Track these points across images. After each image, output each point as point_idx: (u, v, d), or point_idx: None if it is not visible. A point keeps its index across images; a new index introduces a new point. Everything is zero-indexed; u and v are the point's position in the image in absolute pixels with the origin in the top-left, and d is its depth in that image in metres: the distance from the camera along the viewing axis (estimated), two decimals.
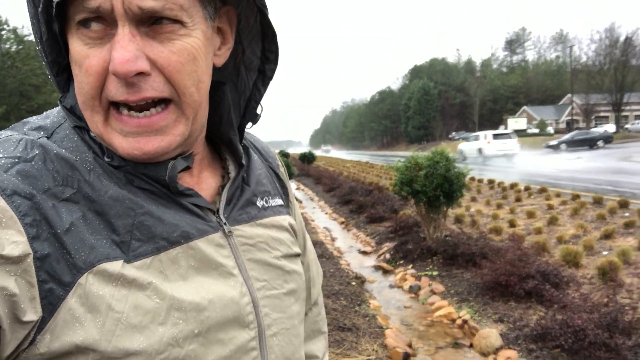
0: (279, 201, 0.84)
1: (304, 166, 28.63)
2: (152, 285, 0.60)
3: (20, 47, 38.36)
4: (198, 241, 0.66)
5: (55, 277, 0.55)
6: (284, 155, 32.30)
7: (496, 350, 4.20)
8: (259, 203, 0.79)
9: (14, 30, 38.42)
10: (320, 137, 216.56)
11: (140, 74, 0.58)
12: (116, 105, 0.60)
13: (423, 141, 77.35)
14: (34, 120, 0.67)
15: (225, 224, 0.71)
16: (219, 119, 0.76)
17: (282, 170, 0.92)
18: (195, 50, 0.62)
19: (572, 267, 5.82)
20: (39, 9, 0.60)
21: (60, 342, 0.55)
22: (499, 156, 27.59)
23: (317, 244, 8.32)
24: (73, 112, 0.65)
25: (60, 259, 0.55)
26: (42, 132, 0.64)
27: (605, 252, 6.34)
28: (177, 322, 0.60)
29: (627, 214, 8.41)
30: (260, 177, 0.82)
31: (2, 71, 35.88)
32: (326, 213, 13.39)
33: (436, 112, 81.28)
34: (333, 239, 9.69)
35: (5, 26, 38.34)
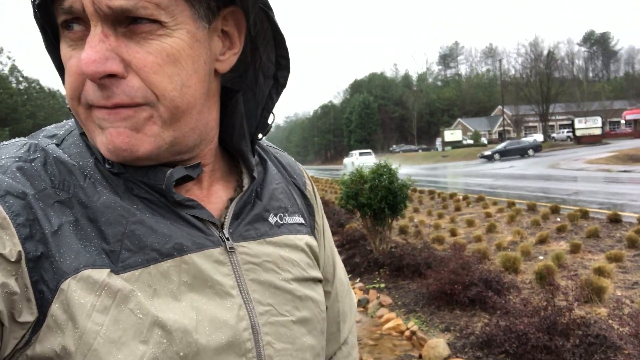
0: (298, 219, 0.77)
1: None
2: (138, 299, 0.55)
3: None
4: (193, 255, 0.60)
5: (45, 279, 0.53)
6: None
7: None
8: (272, 219, 0.72)
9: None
10: None
11: (113, 76, 0.55)
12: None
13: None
14: (50, 128, 0.67)
15: (227, 239, 0.65)
16: (232, 129, 0.71)
17: (310, 189, 0.85)
18: (176, 52, 0.57)
19: (512, 272, 6.04)
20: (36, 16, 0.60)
21: (42, 347, 0.52)
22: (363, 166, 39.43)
23: None
24: None
25: (45, 262, 0.53)
26: (54, 140, 0.64)
27: (541, 257, 6.64)
28: (160, 341, 0.55)
29: (558, 219, 8.89)
30: (275, 192, 0.76)
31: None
32: None
33: (377, 125, 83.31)
34: None
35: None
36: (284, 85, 0.72)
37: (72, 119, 0.68)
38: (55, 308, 0.52)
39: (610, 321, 4.18)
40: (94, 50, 0.53)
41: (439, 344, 4.41)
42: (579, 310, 4.37)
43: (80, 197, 0.58)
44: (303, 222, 0.78)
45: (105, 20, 0.54)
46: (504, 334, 4.04)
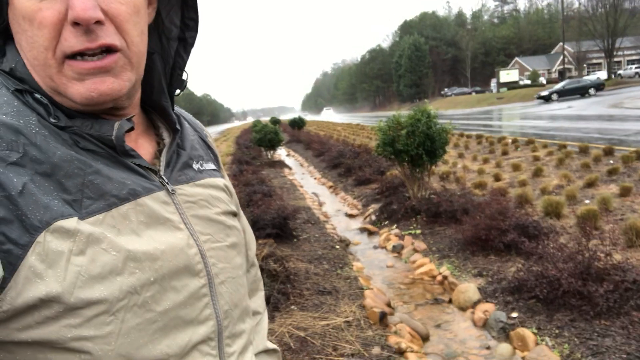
0: (212, 165, 0.88)
1: (294, 132, 28.43)
2: (108, 239, 0.63)
3: None
4: (145, 198, 0.69)
5: (11, 238, 0.57)
6: (275, 122, 32.05)
7: (474, 304, 4.24)
8: (195, 166, 0.83)
9: None
10: (312, 101, 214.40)
11: (97, 22, 0.62)
12: (71, 57, 0.63)
13: (415, 99, 76.62)
14: None
15: (167, 183, 0.75)
16: (150, 87, 0.80)
17: (211, 140, 0.97)
18: (139, 3, 0.68)
19: (554, 217, 5.83)
20: None
21: (23, 298, 0.57)
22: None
23: (304, 209, 8.32)
24: (13, 75, 0.67)
25: (16, 221, 0.57)
26: None
27: (587, 201, 6.34)
28: (133, 271, 0.64)
29: (611, 161, 8.40)
30: (193, 143, 0.87)
31: None
32: (315, 178, 13.36)
33: (428, 68, 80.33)
34: (320, 204, 9.69)
35: None
36: (192, 45, 0.82)
37: None
38: (32, 260, 0.57)
39: None
40: (88, 0, 0.60)
41: (469, 288, 4.39)
42: (619, 255, 4.18)
43: (33, 154, 0.61)
44: (215, 168, 0.90)
45: None
46: (535, 279, 3.96)
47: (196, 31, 0.81)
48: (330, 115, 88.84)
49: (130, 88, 0.69)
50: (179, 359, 0.69)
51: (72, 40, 0.61)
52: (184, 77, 0.83)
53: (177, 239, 0.71)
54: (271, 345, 0.99)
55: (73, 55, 0.63)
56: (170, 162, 0.79)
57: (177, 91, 0.84)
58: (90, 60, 0.63)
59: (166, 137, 0.82)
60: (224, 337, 0.77)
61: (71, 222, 0.60)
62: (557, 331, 3.48)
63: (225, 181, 0.90)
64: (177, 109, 0.91)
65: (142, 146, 0.78)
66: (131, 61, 0.68)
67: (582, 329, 3.42)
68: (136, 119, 0.76)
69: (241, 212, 1.01)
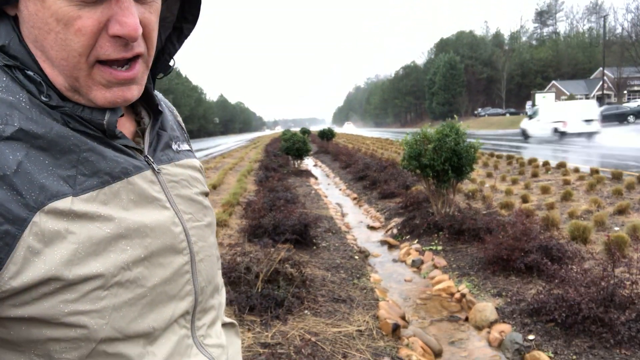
0: (187, 146, 0.91)
1: (323, 143, 28.53)
2: (101, 217, 0.65)
3: None
4: (135, 177, 0.72)
5: (9, 218, 0.57)
6: (305, 132, 32.24)
7: (491, 324, 4.16)
8: (174, 147, 0.86)
9: None
10: (344, 114, 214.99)
11: None
12: (102, 62, 0.65)
13: (447, 117, 75.83)
14: None
15: (152, 162, 0.77)
16: None
17: (181, 121, 1.00)
18: (159, 11, 0.71)
19: (581, 242, 5.67)
20: None
21: (22, 278, 0.58)
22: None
23: (326, 219, 8.33)
24: (5, 52, 0.66)
25: (12, 201, 0.58)
26: None
27: (616, 228, 6.16)
28: (125, 248, 0.67)
29: None
30: (172, 124, 0.90)
31: None
32: (340, 189, 13.36)
33: (462, 87, 79.53)
34: (343, 215, 9.68)
35: None
36: (186, 36, 0.84)
37: None
38: (29, 240, 0.59)
39: None
40: (135, 17, 0.64)
41: (486, 307, 4.31)
42: None
43: (30, 128, 0.61)
44: (189, 149, 0.93)
45: None
46: (555, 302, 3.86)
47: (194, 24, 0.83)
48: (350, 128, 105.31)
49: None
50: (162, 331, 0.72)
51: (109, 50, 0.64)
52: (171, 63, 0.85)
53: (164, 217, 0.74)
54: (227, 319, 1.01)
55: (104, 61, 0.65)
56: (153, 142, 0.81)
57: (161, 75, 0.86)
58: (120, 70, 0.67)
59: (145, 117, 0.83)
60: (196, 311, 0.80)
61: (66, 202, 0.62)
62: (574, 357, 3.38)
63: (198, 162, 0.94)
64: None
65: (124, 126, 0.78)
66: (148, 64, 0.72)
67: (601, 357, 3.31)
68: None
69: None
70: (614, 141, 19.62)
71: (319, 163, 21.95)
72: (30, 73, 0.65)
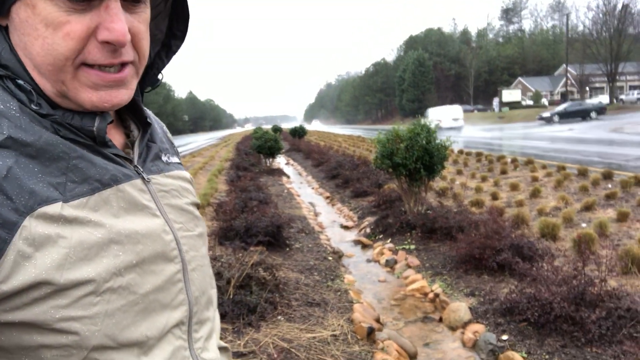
0: (176, 159, 0.93)
1: (295, 141, 28.40)
2: (92, 222, 0.65)
3: None
4: (125, 185, 0.72)
5: None
6: (276, 130, 32.05)
7: (465, 325, 4.16)
8: (164, 158, 0.87)
9: None
10: (315, 111, 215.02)
11: None
12: (88, 65, 0.66)
13: (417, 114, 76.69)
14: None
15: (142, 172, 0.78)
16: None
17: (170, 136, 1.02)
18: (148, 20, 0.73)
19: (550, 239, 5.77)
20: None
21: (13, 282, 0.58)
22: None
23: (299, 218, 8.26)
24: None
25: (2, 205, 0.58)
26: None
27: (584, 225, 6.29)
28: (117, 254, 0.66)
29: (609, 185, 8.36)
30: (161, 137, 0.92)
31: None
32: (313, 188, 13.30)
33: (431, 84, 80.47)
34: (316, 214, 9.62)
35: None
36: (174, 52, 0.86)
37: None
38: (20, 244, 0.58)
39: None
40: (123, 23, 0.65)
41: (460, 307, 4.31)
42: (614, 281, 4.12)
43: (19, 136, 0.62)
44: (179, 161, 0.94)
45: None
46: (527, 302, 3.89)
47: (182, 40, 0.85)
48: (317, 125, 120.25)
49: (133, 93, 0.73)
50: (156, 341, 0.71)
51: (98, 55, 0.65)
52: (159, 77, 0.87)
53: (155, 225, 0.74)
54: (222, 344, 1.01)
55: (91, 65, 0.66)
56: (142, 153, 0.82)
57: (149, 88, 0.88)
58: (108, 72, 0.67)
59: (134, 130, 0.84)
60: (193, 322, 0.80)
61: (55, 207, 0.62)
62: (547, 357, 3.40)
63: (188, 174, 0.94)
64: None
65: (113, 137, 0.79)
66: (138, 72, 0.73)
67: (573, 356, 3.34)
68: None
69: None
70: (470, 132, 31.78)
71: (291, 161, 21.84)
72: (20, 82, 0.66)
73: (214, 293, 1.07)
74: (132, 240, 0.69)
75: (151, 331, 0.70)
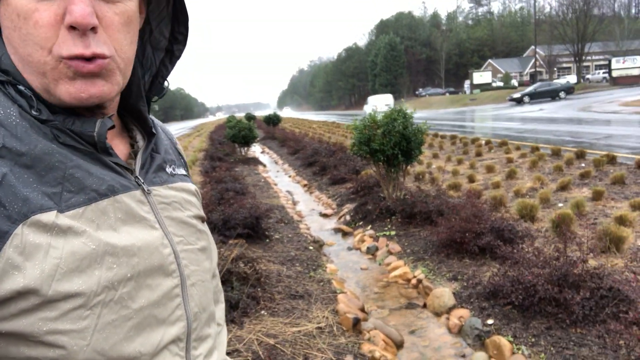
0: (182, 171, 0.90)
1: (270, 129, 28.14)
2: (87, 233, 0.63)
3: None
4: (123, 195, 0.70)
5: None
6: (250, 118, 31.65)
7: (449, 310, 4.15)
8: (168, 170, 0.85)
9: None
10: (288, 98, 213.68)
11: (92, 28, 0.64)
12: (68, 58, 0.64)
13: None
14: None
15: (143, 183, 0.76)
16: (128, 92, 0.80)
17: (180, 147, 0.99)
18: (132, 14, 0.70)
19: (528, 220, 5.81)
20: None
21: (0, 291, 0.57)
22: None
23: (277, 208, 8.14)
24: None
25: None
26: None
27: (560, 204, 6.37)
28: (111, 266, 0.64)
29: (583, 165, 8.49)
30: (167, 147, 0.89)
31: None
32: (289, 176, 13.17)
33: (403, 68, 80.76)
34: (295, 203, 9.52)
35: None
36: (178, 57, 0.85)
37: None
38: (10, 252, 0.57)
39: (626, 274, 3.97)
40: (86, 4, 0.62)
41: (444, 293, 4.30)
42: (594, 261, 4.16)
43: (13, 146, 0.61)
44: (185, 173, 0.91)
45: None
46: (511, 285, 3.89)
47: (184, 45, 0.84)
48: (288, 112, 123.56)
49: (119, 90, 0.71)
50: (150, 358, 0.69)
51: (69, 43, 0.63)
52: (165, 84, 0.86)
53: (152, 237, 0.72)
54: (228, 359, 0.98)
55: (70, 58, 0.64)
56: (145, 163, 0.80)
57: (155, 97, 0.87)
58: (84, 62, 0.65)
59: (139, 140, 0.83)
60: (191, 339, 0.78)
61: (50, 216, 0.60)
62: (533, 340, 3.41)
63: (194, 186, 0.92)
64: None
65: (117, 147, 0.78)
66: (119, 67, 0.69)
67: (559, 338, 3.35)
68: (113, 120, 0.77)
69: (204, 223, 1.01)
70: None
71: (267, 150, 21.62)
72: (21, 88, 0.66)
73: (220, 308, 1.03)
74: (128, 253, 0.67)
75: (145, 347, 0.68)
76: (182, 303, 0.75)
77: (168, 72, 0.86)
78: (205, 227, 0.89)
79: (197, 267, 0.80)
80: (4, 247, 0.57)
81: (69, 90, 0.65)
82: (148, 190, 0.76)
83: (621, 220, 5.13)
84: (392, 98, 46.22)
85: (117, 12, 0.67)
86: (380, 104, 46.80)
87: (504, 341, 3.44)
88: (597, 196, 6.31)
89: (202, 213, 0.89)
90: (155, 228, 0.74)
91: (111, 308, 0.64)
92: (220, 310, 1.04)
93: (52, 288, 0.59)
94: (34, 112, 0.65)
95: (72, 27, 0.63)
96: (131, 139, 0.83)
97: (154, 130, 0.84)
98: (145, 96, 0.84)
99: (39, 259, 0.59)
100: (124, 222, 0.69)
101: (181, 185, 0.85)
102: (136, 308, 0.67)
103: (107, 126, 0.70)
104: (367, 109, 45.28)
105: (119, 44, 0.68)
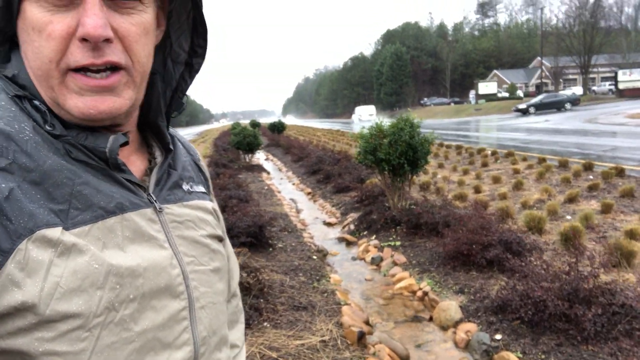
0: (202, 188, 0.87)
1: (274, 136, 28.13)
2: (91, 252, 0.61)
3: None
4: (132, 213, 0.68)
5: None
6: (255, 125, 31.68)
7: (456, 324, 4.06)
8: (185, 187, 0.82)
9: None
10: (293, 106, 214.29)
11: (106, 40, 0.63)
12: (75, 70, 0.63)
13: (395, 107, 77.03)
14: None
15: (155, 201, 0.74)
16: (147, 107, 0.79)
17: (203, 164, 0.96)
18: (149, 25, 0.69)
19: (536, 233, 5.71)
20: None
21: None
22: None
23: (281, 216, 8.07)
24: (14, 81, 0.67)
25: (0, 226, 0.56)
26: None
27: (569, 217, 6.26)
28: (114, 286, 0.62)
29: (591, 177, 8.39)
30: (185, 164, 0.86)
31: None
32: (293, 184, 13.11)
33: (408, 77, 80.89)
34: (298, 211, 9.45)
35: None
36: (197, 71, 0.83)
37: None
38: (11, 267, 0.56)
39: (638, 289, 3.86)
40: (98, 17, 0.61)
41: (450, 306, 4.20)
42: (605, 276, 4.06)
43: (23, 162, 0.60)
44: (205, 191, 0.88)
45: None
46: (520, 300, 3.79)
47: (203, 58, 0.82)
48: (291, 120, 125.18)
49: (130, 106, 0.69)
50: None
51: (78, 55, 0.62)
52: (184, 100, 0.85)
53: (160, 257, 0.70)
54: None
55: (77, 69, 0.63)
56: (160, 180, 0.78)
57: (175, 113, 0.85)
58: (93, 77, 0.64)
59: (158, 156, 0.81)
60: None
61: (55, 232, 0.59)
62: (543, 356, 3.31)
63: (214, 205, 0.89)
64: (171, 130, 0.90)
65: (134, 163, 0.77)
66: (134, 80, 0.68)
67: (569, 355, 3.26)
68: (131, 135, 0.76)
69: (227, 239, 0.97)
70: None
71: (271, 157, 21.59)
72: (36, 103, 0.66)
73: (239, 329, 1.01)
74: (133, 274, 0.65)
75: None
76: (189, 326, 0.72)
77: (187, 87, 0.84)
78: (220, 247, 0.85)
79: (209, 288, 0.77)
80: (6, 263, 0.56)
81: (78, 105, 0.64)
82: (160, 208, 0.74)
83: (632, 234, 5.03)
84: (374, 109, 54.26)
85: (134, 23, 0.66)
86: (364, 113, 53.63)
87: (512, 357, 3.34)
88: (606, 209, 6.21)
89: (217, 232, 0.85)
90: (165, 247, 0.71)
91: (111, 330, 0.62)
92: (239, 331, 1.02)
93: (50, 307, 0.58)
94: (47, 127, 0.65)
95: (84, 40, 0.62)
96: (150, 154, 0.81)
97: (171, 146, 0.82)
98: (165, 111, 0.82)
99: (40, 277, 0.58)
100: (132, 240, 0.67)
101: (197, 204, 0.82)
102: (138, 331, 0.64)
103: (120, 142, 0.69)
104: (355, 117, 53.72)
105: (136, 56, 0.67)
